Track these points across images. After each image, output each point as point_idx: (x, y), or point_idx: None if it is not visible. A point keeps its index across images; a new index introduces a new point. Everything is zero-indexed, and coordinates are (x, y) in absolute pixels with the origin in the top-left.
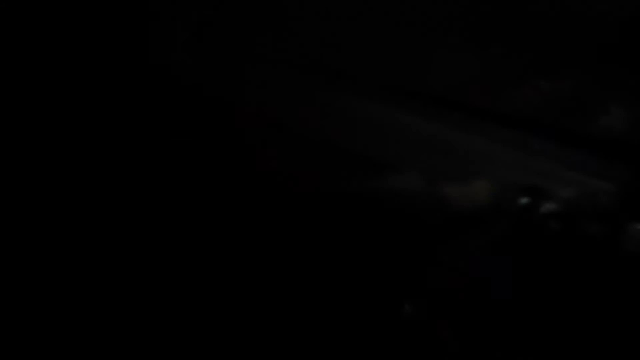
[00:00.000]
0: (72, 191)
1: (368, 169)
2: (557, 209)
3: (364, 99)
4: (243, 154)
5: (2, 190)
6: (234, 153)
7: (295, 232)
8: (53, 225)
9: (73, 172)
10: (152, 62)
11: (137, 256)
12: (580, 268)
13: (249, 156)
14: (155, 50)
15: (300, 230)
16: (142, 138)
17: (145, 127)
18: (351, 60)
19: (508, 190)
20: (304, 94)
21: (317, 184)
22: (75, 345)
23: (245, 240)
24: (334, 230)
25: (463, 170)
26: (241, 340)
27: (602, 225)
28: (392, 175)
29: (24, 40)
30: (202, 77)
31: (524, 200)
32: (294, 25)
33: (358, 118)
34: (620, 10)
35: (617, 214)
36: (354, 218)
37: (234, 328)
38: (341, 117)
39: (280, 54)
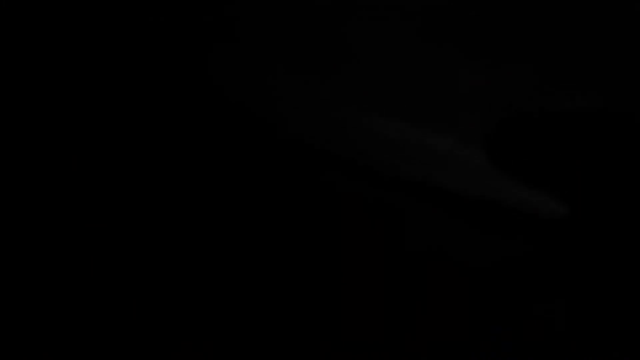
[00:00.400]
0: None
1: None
2: None
3: (372, 112)
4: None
5: (2, 190)
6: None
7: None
8: (53, 225)
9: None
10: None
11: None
12: None
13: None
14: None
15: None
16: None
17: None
18: (359, 72)
19: None
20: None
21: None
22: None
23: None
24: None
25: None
26: (241, 340)
27: None
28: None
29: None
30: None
31: None
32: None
33: (367, 132)
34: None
35: None
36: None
37: (234, 328)
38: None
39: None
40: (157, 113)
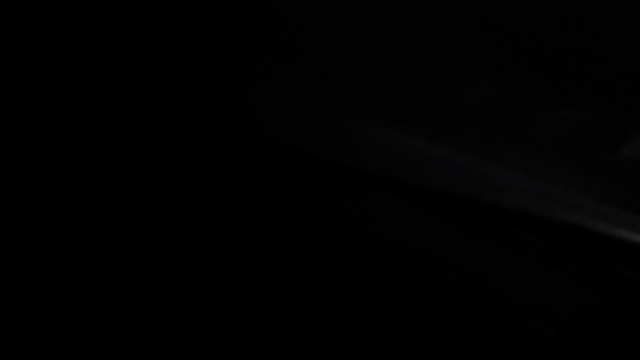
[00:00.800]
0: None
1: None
2: None
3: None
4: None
5: (2, 190)
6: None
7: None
8: (53, 225)
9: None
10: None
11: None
12: None
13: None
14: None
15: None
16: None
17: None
18: (365, 85)
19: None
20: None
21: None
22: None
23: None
24: None
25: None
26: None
27: None
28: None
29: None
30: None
31: None
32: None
33: (371, 142)
34: None
35: None
36: None
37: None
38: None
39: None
40: (157, 113)
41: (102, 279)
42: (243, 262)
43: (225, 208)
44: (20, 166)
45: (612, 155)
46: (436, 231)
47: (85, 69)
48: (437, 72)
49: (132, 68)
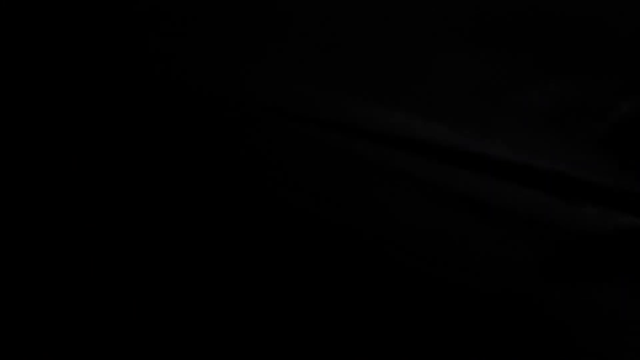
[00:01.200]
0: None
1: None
2: None
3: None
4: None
5: (2, 190)
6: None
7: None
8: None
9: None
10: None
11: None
12: None
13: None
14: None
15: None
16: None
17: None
18: (352, 63)
19: None
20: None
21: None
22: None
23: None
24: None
25: None
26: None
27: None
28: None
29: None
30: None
31: None
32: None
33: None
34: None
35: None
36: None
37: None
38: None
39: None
40: (156, 113)
41: (102, 279)
42: (242, 262)
43: (224, 208)
44: (20, 166)
45: (602, 125)
46: (426, 208)
47: (84, 69)
48: (423, 50)
49: (130, 67)
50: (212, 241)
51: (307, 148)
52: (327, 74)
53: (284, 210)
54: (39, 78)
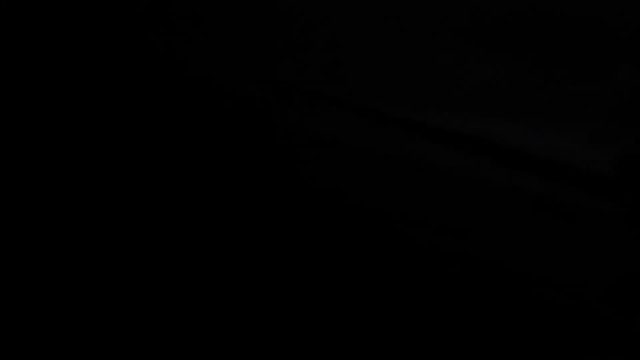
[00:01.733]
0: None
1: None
2: None
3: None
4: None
5: (2, 190)
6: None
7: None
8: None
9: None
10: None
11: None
12: None
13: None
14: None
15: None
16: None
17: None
18: (352, 63)
19: None
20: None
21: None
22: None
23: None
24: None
25: None
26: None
27: None
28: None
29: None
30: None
31: None
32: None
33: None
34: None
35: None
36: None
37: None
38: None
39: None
40: (156, 113)
41: (102, 278)
42: (242, 262)
43: (223, 207)
44: (20, 166)
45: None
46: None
47: (84, 69)
48: (423, 49)
49: (130, 67)
50: (212, 241)
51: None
52: (327, 73)
53: (307, 196)
54: (38, 78)
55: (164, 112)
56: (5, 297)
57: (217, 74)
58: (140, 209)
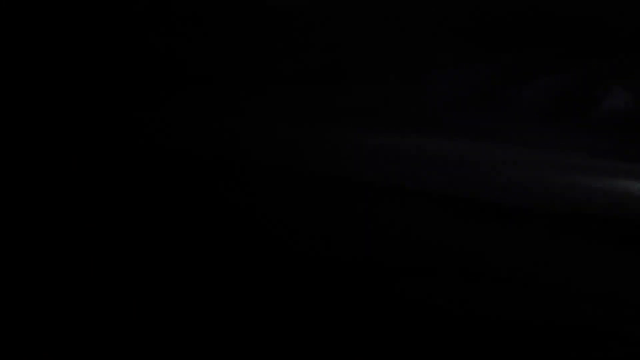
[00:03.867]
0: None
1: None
2: None
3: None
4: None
5: (2, 190)
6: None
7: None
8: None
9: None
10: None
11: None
12: None
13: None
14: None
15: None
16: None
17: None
18: (352, 63)
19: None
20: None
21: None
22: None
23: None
24: None
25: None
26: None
27: None
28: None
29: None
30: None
31: None
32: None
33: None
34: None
35: None
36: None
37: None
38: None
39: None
40: (156, 113)
41: (102, 278)
42: (242, 262)
43: (224, 205)
44: (20, 166)
45: (596, 110)
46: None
47: (84, 69)
48: (423, 49)
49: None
50: (212, 241)
51: None
52: (327, 72)
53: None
54: (38, 78)
55: (164, 111)
56: (5, 297)
57: (217, 73)
58: (140, 209)
